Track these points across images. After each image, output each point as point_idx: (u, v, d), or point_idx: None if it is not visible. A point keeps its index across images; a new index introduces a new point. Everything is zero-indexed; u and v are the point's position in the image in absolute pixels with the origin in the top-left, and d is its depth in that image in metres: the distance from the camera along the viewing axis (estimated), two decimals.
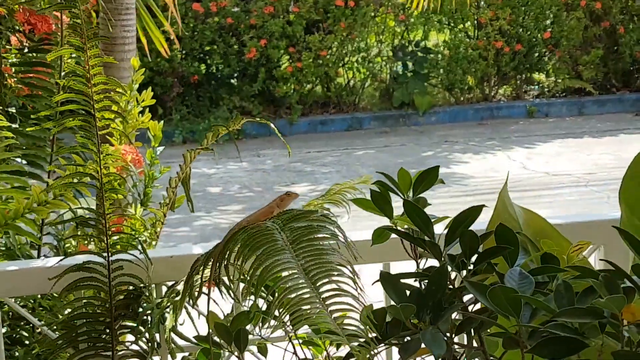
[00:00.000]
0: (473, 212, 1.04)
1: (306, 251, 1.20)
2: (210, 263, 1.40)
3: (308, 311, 1.09)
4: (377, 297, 1.51)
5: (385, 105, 9.61)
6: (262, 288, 1.48)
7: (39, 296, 1.79)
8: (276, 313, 1.37)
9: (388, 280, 1.02)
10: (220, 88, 9.35)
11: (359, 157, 8.14)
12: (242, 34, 9.31)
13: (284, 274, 1.17)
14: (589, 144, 8.26)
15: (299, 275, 1.15)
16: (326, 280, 1.13)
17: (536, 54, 9.88)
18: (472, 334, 1.04)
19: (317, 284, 1.13)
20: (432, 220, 1.15)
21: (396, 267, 1.68)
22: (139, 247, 1.60)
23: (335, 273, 1.14)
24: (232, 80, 9.49)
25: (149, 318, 1.58)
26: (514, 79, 9.95)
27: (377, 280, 1.05)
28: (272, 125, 1.85)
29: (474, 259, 1.02)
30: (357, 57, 9.64)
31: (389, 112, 9.54)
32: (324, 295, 1.12)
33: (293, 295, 1.12)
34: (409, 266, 1.26)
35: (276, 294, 1.18)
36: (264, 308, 1.47)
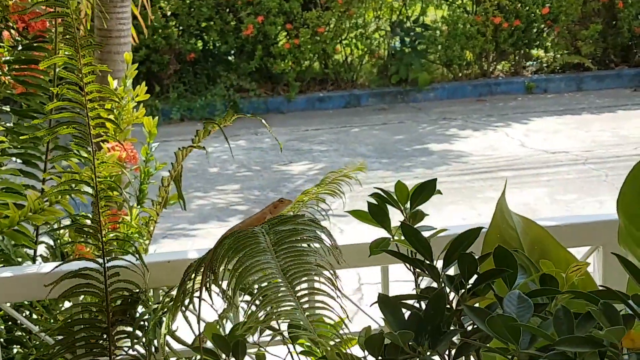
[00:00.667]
0: (471, 234, 1.03)
1: (287, 252, 1.24)
2: (202, 269, 1.40)
3: (282, 308, 1.13)
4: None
5: (383, 82, 9.57)
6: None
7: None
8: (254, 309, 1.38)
9: (386, 304, 1.01)
10: (218, 65, 9.31)
11: (356, 135, 8.12)
12: (239, 10, 9.24)
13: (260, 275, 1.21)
14: (588, 120, 8.24)
15: (277, 274, 1.19)
16: (304, 279, 1.18)
17: (535, 30, 9.83)
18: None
19: (294, 283, 1.17)
20: (429, 232, 1.14)
21: (394, 269, 1.69)
22: (135, 252, 1.60)
23: (313, 273, 1.19)
24: (229, 57, 9.45)
25: (147, 323, 1.58)
26: (513, 54, 9.91)
27: (375, 303, 1.04)
28: (263, 121, 1.83)
29: (472, 279, 1.01)
30: (355, 33, 9.59)
31: (387, 88, 9.51)
32: (299, 294, 1.16)
33: (269, 293, 1.16)
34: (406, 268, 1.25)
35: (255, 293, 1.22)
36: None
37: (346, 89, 9.55)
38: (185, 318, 1.61)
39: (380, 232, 1.27)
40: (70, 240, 1.86)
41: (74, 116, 1.49)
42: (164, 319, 1.58)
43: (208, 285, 1.41)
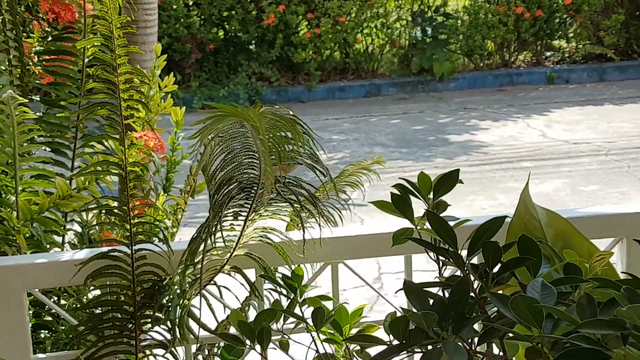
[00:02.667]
0: (495, 223, 1.05)
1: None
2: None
3: None
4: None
5: (403, 72, 9.57)
6: (284, 285, 1.50)
7: None
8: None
9: (411, 290, 1.03)
10: (239, 54, 9.34)
11: (376, 124, 8.13)
12: None
13: None
14: (610, 111, 8.20)
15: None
16: None
17: (557, 20, 9.77)
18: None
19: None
20: (453, 222, 1.16)
21: (417, 259, 1.71)
22: (163, 238, 1.63)
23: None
24: (251, 47, 9.47)
25: (172, 310, 1.60)
26: (534, 44, 9.86)
27: (400, 289, 1.06)
28: (290, 112, 1.85)
29: (496, 268, 1.03)
30: (376, 22, 9.58)
31: (408, 78, 9.50)
32: None
33: None
34: (427, 256, 1.27)
35: None
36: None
37: (366, 78, 9.55)
38: (208, 305, 1.63)
39: (400, 222, 1.29)
40: (97, 222, 1.90)
41: (106, 97, 1.52)
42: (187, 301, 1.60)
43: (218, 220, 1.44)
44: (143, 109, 1.90)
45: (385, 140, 7.50)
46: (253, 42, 9.46)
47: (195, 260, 1.51)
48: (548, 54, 9.95)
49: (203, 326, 1.62)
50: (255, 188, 1.47)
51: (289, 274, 1.52)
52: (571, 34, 9.91)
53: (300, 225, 1.75)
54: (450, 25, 9.57)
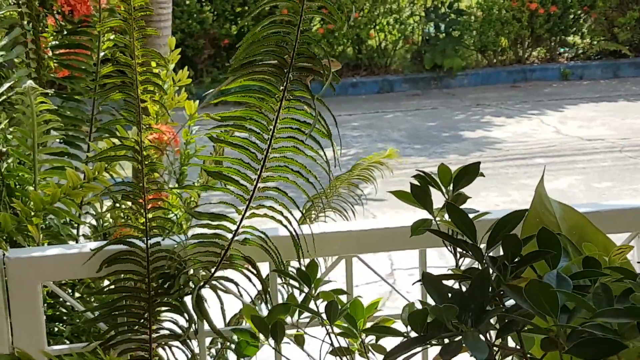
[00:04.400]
0: (515, 216, 1.04)
1: None
2: None
3: None
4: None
5: (417, 68, 9.55)
6: (298, 279, 1.50)
7: None
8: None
9: (430, 282, 1.02)
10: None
11: (389, 121, 8.11)
12: None
13: None
14: (624, 107, 8.16)
15: None
16: None
17: (571, 16, 9.73)
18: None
19: None
20: (472, 214, 1.15)
21: (429, 255, 1.70)
22: (178, 230, 1.62)
23: None
24: None
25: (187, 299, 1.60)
26: (548, 40, 9.83)
27: (418, 281, 1.05)
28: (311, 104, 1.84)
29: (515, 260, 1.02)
30: (389, 18, 9.56)
31: (421, 74, 9.48)
32: None
33: None
34: (442, 248, 1.26)
35: None
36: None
37: (379, 74, 9.54)
38: (218, 297, 1.63)
39: (414, 218, 1.28)
40: (111, 215, 1.90)
41: (125, 79, 1.51)
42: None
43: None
44: (159, 92, 1.90)
45: (398, 137, 7.49)
46: None
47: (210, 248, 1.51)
48: (562, 50, 9.91)
49: (210, 324, 1.62)
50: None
51: (302, 268, 1.52)
52: (585, 30, 9.87)
53: (313, 219, 1.75)
54: (464, 21, 9.55)
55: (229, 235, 1.55)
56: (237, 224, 1.54)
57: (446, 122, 7.97)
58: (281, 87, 1.45)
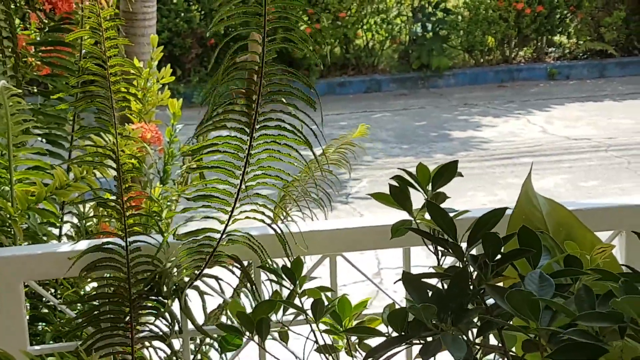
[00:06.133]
0: (496, 214, 1.04)
1: None
2: None
3: None
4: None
5: (404, 67, 9.55)
6: (282, 276, 1.49)
7: None
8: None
9: (410, 281, 1.02)
10: (239, 49, 9.31)
11: (377, 120, 8.11)
12: None
13: None
14: (610, 107, 8.19)
15: None
16: None
17: (557, 16, 9.76)
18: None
19: None
20: (452, 213, 1.15)
21: (412, 254, 1.69)
22: (158, 231, 1.62)
23: None
24: None
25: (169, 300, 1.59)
26: (535, 40, 9.85)
27: (398, 280, 1.05)
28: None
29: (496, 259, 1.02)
30: (376, 18, 9.57)
31: (408, 74, 9.48)
32: None
33: None
34: (426, 251, 1.26)
35: None
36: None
37: (367, 74, 9.54)
38: (200, 294, 1.62)
39: (400, 215, 1.27)
40: (94, 214, 1.88)
41: (98, 90, 1.51)
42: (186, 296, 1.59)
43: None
44: (137, 102, 1.89)
45: (385, 136, 7.49)
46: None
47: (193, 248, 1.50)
48: (550, 50, 9.94)
49: (193, 322, 1.62)
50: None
51: (287, 265, 1.51)
52: (572, 30, 9.90)
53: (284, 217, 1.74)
54: (451, 21, 9.56)
55: (217, 235, 1.55)
56: (224, 226, 1.54)
57: (433, 121, 7.98)
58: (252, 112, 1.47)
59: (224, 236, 1.54)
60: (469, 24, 9.54)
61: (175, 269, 1.60)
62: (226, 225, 1.53)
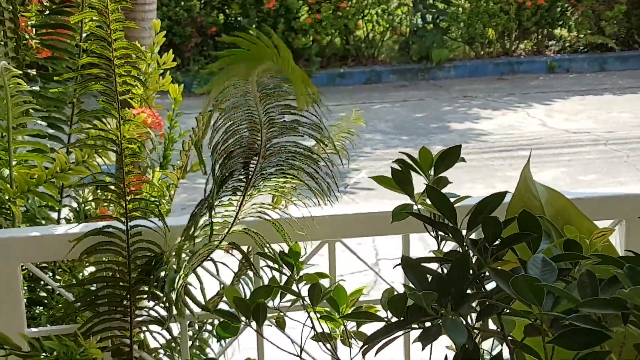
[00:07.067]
0: (496, 198, 1.04)
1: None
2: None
3: None
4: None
5: (404, 59, 9.53)
6: (280, 262, 1.49)
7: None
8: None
9: (409, 266, 1.01)
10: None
11: (377, 112, 8.10)
12: None
13: None
14: (610, 101, 8.18)
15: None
16: None
17: (558, 9, 9.74)
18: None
19: None
20: (453, 199, 1.14)
21: (415, 245, 1.69)
22: (158, 214, 1.61)
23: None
24: (251, 31, 9.42)
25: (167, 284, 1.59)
26: (536, 33, 9.84)
27: (398, 265, 1.05)
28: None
29: (495, 244, 1.02)
30: (377, 9, 9.54)
31: (408, 65, 9.47)
32: None
33: None
34: (427, 237, 1.26)
35: None
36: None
37: (367, 65, 9.52)
38: (198, 279, 1.62)
39: (398, 203, 1.27)
40: (93, 198, 1.88)
41: (101, 72, 1.50)
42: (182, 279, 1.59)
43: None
44: (140, 86, 1.88)
45: (385, 128, 7.48)
46: (253, 26, 9.42)
47: (195, 235, 1.49)
48: (550, 43, 9.92)
49: (197, 303, 1.61)
50: (256, 159, 1.45)
51: (285, 251, 1.51)
52: (572, 23, 9.88)
53: (293, 202, 1.73)
54: (451, 12, 9.54)
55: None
56: (235, 214, 1.53)
57: (433, 113, 7.97)
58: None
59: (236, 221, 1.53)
60: (469, 16, 9.52)
61: (173, 253, 1.59)
62: (237, 212, 1.52)
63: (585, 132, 7.11)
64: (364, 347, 1.03)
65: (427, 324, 1.00)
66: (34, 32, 1.94)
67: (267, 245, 1.53)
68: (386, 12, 9.55)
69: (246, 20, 9.29)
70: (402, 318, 1.01)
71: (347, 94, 8.78)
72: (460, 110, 8.09)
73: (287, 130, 1.47)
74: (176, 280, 1.49)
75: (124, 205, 1.56)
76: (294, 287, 1.42)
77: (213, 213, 1.45)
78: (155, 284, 1.60)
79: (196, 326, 1.89)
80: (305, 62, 9.39)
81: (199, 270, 1.61)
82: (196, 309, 1.62)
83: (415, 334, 1.04)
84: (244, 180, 1.49)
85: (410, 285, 1.05)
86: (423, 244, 3.40)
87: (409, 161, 1.20)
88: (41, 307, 1.91)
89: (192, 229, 1.48)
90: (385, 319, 1.11)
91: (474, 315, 1.03)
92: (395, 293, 1.28)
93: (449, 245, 1.17)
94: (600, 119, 7.50)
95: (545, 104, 8.17)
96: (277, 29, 9.21)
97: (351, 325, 1.40)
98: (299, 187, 1.59)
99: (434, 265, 1.09)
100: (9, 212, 1.66)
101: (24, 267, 1.61)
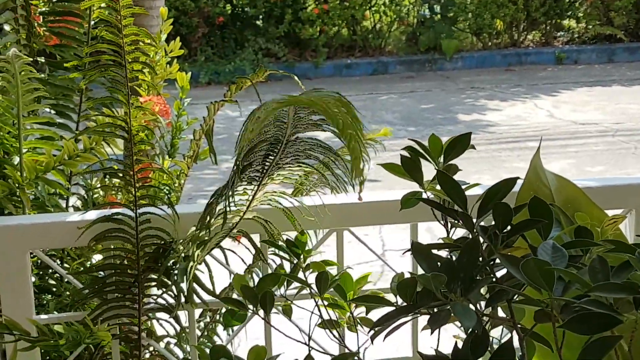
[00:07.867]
0: (507, 184, 1.03)
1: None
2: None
3: None
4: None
5: (411, 50, 9.51)
6: (287, 250, 1.48)
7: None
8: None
9: (419, 251, 1.01)
10: (246, 29, 9.29)
11: (383, 102, 8.09)
12: None
13: None
14: (618, 92, 8.15)
15: None
16: None
17: (567, 0, 9.70)
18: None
19: None
20: (463, 186, 1.14)
21: (422, 235, 1.69)
22: (167, 200, 1.61)
23: None
24: (258, 22, 9.42)
25: (176, 272, 1.59)
26: (544, 24, 9.80)
27: (408, 250, 1.04)
28: (295, 77, 1.82)
29: (505, 230, 1.01)
30: None
31: (415, 56, 9.45)
32: None
33: None
34: (435, 226, 1.25)
35: None
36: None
37: (374, 56, 9.50)
38: (208, 267, 1.62)
39: (404, 192, 1.27)
40: (101, 185, 1.88)
41: (111, 59, 1.49)
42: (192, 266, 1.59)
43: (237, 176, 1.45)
44: (149, 73, 1.88)
45: (392, 119, 7.47)
46: (260, 17, 9.41)
47: (211, 224, 1.50)
48: (558, 34, 9.89)
49: (207, 291, 1.61)
50: (276, 152, 1.46)
51: (289, 239, 1.51)
52: (581, 14, 9.84)
53: (306, 192, 1.73)
54: (459, 3, 9.51)
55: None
56: (248, 203, 1.53)
57: (440, 104, 7.95)
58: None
59: (247, 210, 1.53)
60: (477, 7, 9.49)
61: (182, 241, 1.59)
62: (251, 201, 1.52)
63: (593, 123, 7.09)
64: (373, 330, 1.03)
65: (435, 310, 1.00)
66: (41, 19, 1.94)
67: (277, 233, 1.53)
68: (393, 2, 9.53)
69: (253, 10, 9.28)
70: (411, 303, 1.01)
71: (354, 85, 8.77)
72: (468, 101, 8.07)
73: (311, 127, 1.48)
74: (188, 269, 1.49)
75: (134, 192, 1.56)
76: (300, 275, 1.42)
77: (229, 201, 1.46)
78: (164, 272, 1.60)
79: (207, 316, 1.89)
80: (313, 52, 9.38)
81: (207, 258, 1.61)
82: (205, 297, 1.62)
83: (423, 324, 1.04)
84: (260, 170, 1.49)
85: (420, 272, 1.04)
86: (430, 235, 3.39)
87: (419, 148, 1.20)
88: (49, 295, 1.91)
89: (208, 218, 1.48)
90: (394, 304, 1.11)
91: (483, 304, 1.03)
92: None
93: (457, 234, 1.17)
94: (608, 110, 7.47)
95: (553, 95, 8.15)
96: (284, 20, 9.20)
97: (358, 311, 1.40)
98: (311, 177, 1.59)
99: (443, 254, 1.08)
100: (19, 199, 1.66)
101: (32, 254, 1.61)
